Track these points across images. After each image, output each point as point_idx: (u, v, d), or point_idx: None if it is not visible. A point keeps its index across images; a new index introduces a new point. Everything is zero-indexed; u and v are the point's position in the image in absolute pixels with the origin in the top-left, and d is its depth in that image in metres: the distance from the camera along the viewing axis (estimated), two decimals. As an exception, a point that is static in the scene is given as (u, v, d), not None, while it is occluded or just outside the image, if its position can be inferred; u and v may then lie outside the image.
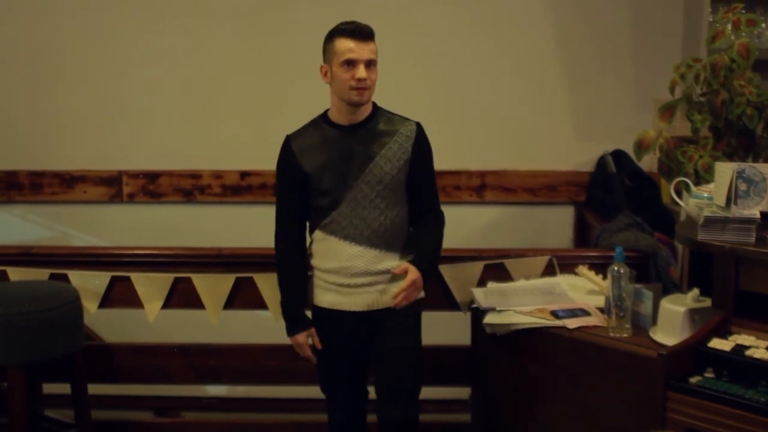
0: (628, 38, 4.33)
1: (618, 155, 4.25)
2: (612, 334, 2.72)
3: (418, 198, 2.86)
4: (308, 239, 2.91)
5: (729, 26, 3.13)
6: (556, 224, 4.42)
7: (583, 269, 3.22)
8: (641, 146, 3.24)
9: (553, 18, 4.33)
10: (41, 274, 3.34)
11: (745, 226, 2.59)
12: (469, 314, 3.11)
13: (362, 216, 2.76)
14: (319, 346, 2.86)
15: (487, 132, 4.37)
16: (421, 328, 2.92)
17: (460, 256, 3.31)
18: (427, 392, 2.98)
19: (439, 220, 2.91)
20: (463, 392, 3.36)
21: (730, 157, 3.07)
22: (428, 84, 4.29)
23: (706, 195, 2.83)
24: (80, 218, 4.44)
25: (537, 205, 4.42)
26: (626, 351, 2.63)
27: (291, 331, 2.88)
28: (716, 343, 2.54)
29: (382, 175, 2.77)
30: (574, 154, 4.37)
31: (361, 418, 2.97)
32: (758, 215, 2.60)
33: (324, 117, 2.85)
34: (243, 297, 3.37)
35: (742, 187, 2.62)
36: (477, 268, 3.32)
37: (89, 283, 3.34)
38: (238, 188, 4.40)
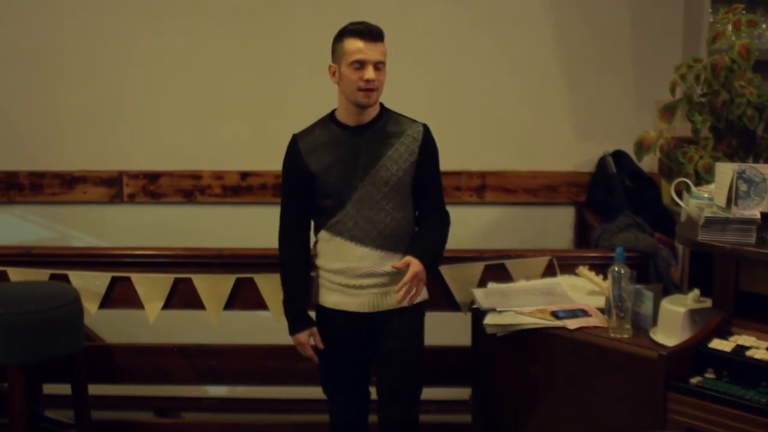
0: (628, 38, 4.33)
1: (618, 156, 4.25)
2: (612, 335, 2.72)
3: (424, 199, 2.85)
4: (312, 239, 2.90)
5: (729, 27, 3.13)
6: (556, 225, 4.42)
7: (583, 270, 3.22)
8: (642, 147, 3.24)
9: (553, 18, 4.32)
10: (41, 274, 3.34)
11: (746, 226, 2.59)
12: (469, 315, 3.11)
13: (368, 217, 2.76)
14: (321, 345, 2.85)
15: (488, 132, 4.37)
16: (423, 330, 2.92)
17: (460, 257, 3.31)
18: (428, 393, 2.98)
19: (445, 219, 2.90)
20: (463, 393, 3.35)
21: (730, 157, 3.07)
22: (428, 84, 4.29)
23: (706, 196, 2.83)
24: (80, 219, 4.44)
25: (537, 205, 4.42)
26: (626, 351, 2.63)
27: (293, 330, 2.87)
28: (717, 344, 2.54)
29: (389, 177, 2.76)
30: (575, 155, 4.37)
31: (362, 418, 2.97)
32: (758, 216, 2.60)
33: (331, 117, 2.84)
34: (243, 297, 3.37)
35: (743, 187, 2.62)
36: (477, 268, 3.32)
37: (90, 284, 3.34)
38: (238, 189, 4.40)
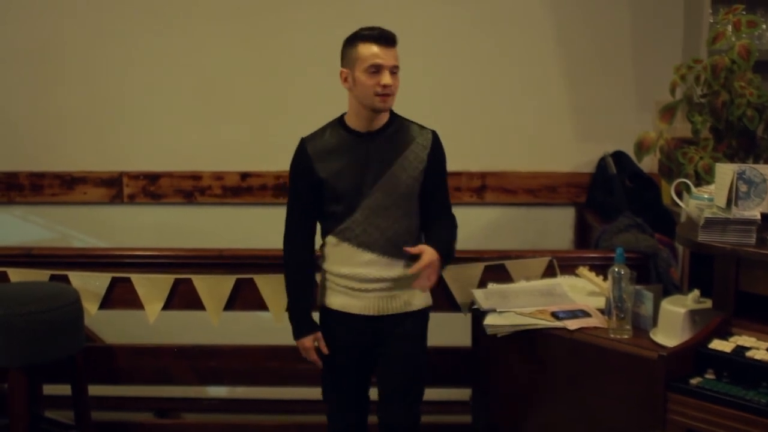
0: (628, 39, 4.33)
1: (618, 156, 4.25)
2: (612, 336, 2.71)
3: (433, 204, 2.85)
4: (318, 241, 2.89)
5: (729, 27, 3.12)
6: (556, 225, 4.42)
7: (583, 270, 3.22)
8: (642, 147, 3.23)
9: (553, 18, 4.32)
10: (42, 275, 3.35)
11: (746, 227, 2.59)
12: (469, 315, 3.11)
13: (376, 224, 2.75)
14: (325, 350, 2.84)
15: (488, 133, 4.37)
16: (427, 335, 2.93)
17: (460, 257, 3.29)
18: (428, 393, 2.98)
19: (454, 224, 2.91)
20: (463, 393, 3.35)
21: (730, 158, 3.07)
22: (428, 84, 4.29)
23: (706, 196, 2.83)
24: (81, 219, 4.44)
25: (537, 206, 4.42)
26: (627, 352, 2.63)
27: (298, 334, 2.86)
28: (717, 345, 2.54)
29: (398, 184, 2.76)
30: (575, 155, 4.37)
31: (362, 423, 2.95)
32: (759, 216, 2.60)
33: (341, 121, 2.81)
34: (243, 298, 3.37)
35: (743, 188, 2.62)
36: (477, 269, 3.32)
37: (90, 284, 3.34)
38: (238, 189, 4.40)
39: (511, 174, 4.40)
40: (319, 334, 2.84)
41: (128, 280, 3.35)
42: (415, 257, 2.73)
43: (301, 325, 2.85)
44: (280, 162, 4.17)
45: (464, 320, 3.21)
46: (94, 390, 3.35)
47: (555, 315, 2.86)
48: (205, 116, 4.38)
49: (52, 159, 4.39)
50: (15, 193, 4.41)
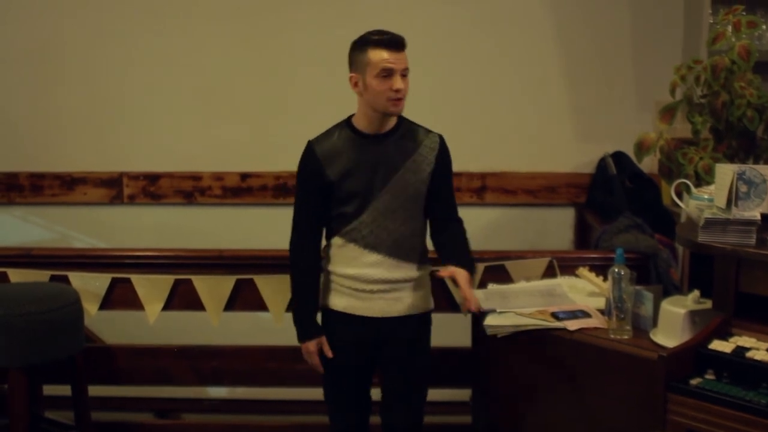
0: (628, 39, 4.33)
1: (618, 157, 4.25)
2: (612, 336, 2.71)
3: (439, 207, 2.86)
4: (323, 242, 2.89)
5: (729, 28, 3.12)
6: (556, 226, 4.42)
7: (583, 271, 3.21)
8: (642, 148, 3.23)
9: (553, 18, 4.32)
10: (42, 275, 3.35)
11: (746, 227, 2.59)
12: (469, 316, 3.11)
13: (384, 226, 2.76)
14: (329, 354, 2.83)
15: (487, 133, 4.37)
16: (430, 338, 2.93)
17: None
18: (428, 394, 2.98)
19: (462, 228, 2.93)
20: (463, 394, 3.35)
21: (730, 158, 3.07)
22: (428, 84, 4.27)
23: (706, 197, 2.82)
24: (81, 220, 4.44)
25: (537, 206, 4.42)
26: (627, 353, 2.63)
27: (302, 337, 2.85)
28: (717, 345, 2.54)
29: (407, 186, 2.77)
30: (575, 156, 4.37)
31: (364, 426, 2.95)
32: (759, 217, 2.60)
33: (348, 124, 2.82)
34: (243, 299, 3.37)
35: (743, 188, 2.62)
36: (477, 269, 3.32)
37: (90, 285, 3.34)
38: (238, 190, 4.40)
39: (511, 174, 4.40)
40: (323, 339, 2.84)
41: (128, 280, 3.35)
42: (423, 259, 2.83)
43: (306, 328, 2.84)
44: (280, 162, 4.21)
45: (464, 321, 3.21)
46: (94, 390, 3.35)
47: (555, 315, 2.85)
48: (205, 116, 4.38)
49: (52, 159, 4.39)
50: (15, 194, 4.41)
